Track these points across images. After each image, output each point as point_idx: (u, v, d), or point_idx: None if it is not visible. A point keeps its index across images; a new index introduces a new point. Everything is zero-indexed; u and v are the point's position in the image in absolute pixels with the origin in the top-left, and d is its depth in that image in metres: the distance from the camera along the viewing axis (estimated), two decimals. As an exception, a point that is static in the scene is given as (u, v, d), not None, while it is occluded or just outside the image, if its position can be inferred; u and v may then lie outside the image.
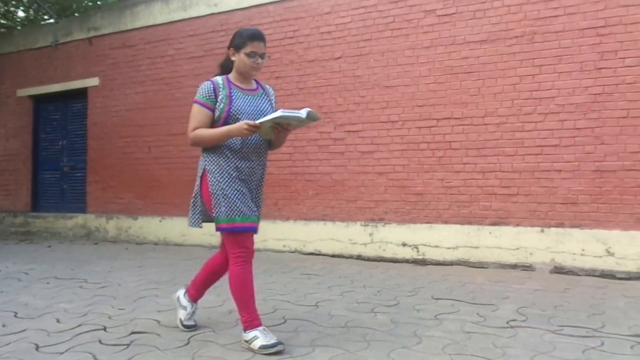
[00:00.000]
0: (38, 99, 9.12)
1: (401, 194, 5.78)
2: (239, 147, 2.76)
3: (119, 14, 7.99)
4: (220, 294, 4.20)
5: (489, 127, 5.35)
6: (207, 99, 2.75)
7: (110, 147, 8.09)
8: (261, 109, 2.82)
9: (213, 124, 2.76)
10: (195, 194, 2.86)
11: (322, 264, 5.53)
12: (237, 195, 2.72)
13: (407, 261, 5.68)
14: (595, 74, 4.91)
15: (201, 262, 5.67)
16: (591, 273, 4.84)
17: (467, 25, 5.46)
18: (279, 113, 2.55)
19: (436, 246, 5.58)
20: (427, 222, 5.66)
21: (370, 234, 5.90)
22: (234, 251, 2.75)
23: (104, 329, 3.20)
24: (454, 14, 5.53)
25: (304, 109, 2.58)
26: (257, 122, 2.59)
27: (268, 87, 3.02)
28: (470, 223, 5.45)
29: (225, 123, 2.73)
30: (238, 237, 2.73)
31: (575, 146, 4.99)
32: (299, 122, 2.67)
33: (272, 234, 6.55)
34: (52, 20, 9.27)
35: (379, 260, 5.77)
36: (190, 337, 2.99)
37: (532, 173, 5.18)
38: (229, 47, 2.82)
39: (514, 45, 5.24)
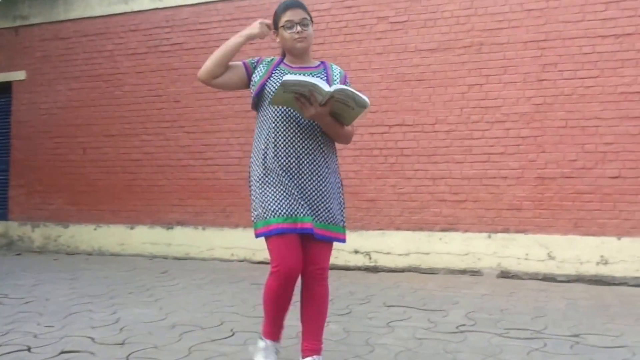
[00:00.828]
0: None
1: (354, 200, 6.70)
2: (278, 127, 2.71)
3: (51, 3, 8.58)
4: (163, 307, 4.50)
5: (439, 134, 6.45)
6: (249, 59, 2.85)
7: (38, 147, 8.66)
8: None
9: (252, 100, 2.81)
10: None
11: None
12: (272, 192, 2.67)
13: (359, 268, 6.61)
14: (537, 85, 6.09)
15: (140, 273, 5.89)
16: (534, 277, 5.96)
17: (418, 34, 6.55)
18: (308, 79, 2.47)
19: (388, 253, 6.59)
20: (379, 229, 6.67)
21: (322, 241, 6.84)
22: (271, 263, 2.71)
23: (29, 349, 3.27)
24: (406, 21, 6.62)
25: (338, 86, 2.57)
26: (284, 78, 2.47)
27: (337, 67, 2.94)
28: (421, 229, 6.50)
29: (258, 97, 2.77)
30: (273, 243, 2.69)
31: (520, 154, 6.15)
32: (347, 104, 2.59)
33: (219, 242, 7.34)
34: (-32, 5, 9.66)
35: (331, 268, 6.46)
36: (129, 355, 3.14)
37: (480, 180, 6.30)
38: (275, 34, 2.85)
39: (462, 54, 6.38)
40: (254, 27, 2.73)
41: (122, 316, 4.17)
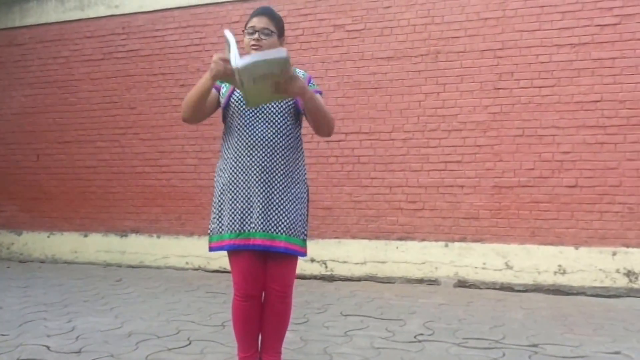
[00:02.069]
0: None
1: (310, 208, 5.85)
2: (240, 140, 2.42)
3: (6, 10, 7.49)
4: (119, 315, 4.09)
5: (395, 142, 5.59)
6: (217, 82, 2.45)
7: (-9, 154, 7.56)
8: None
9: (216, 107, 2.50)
10: None
11: (227, 282, 5.45)
12: (229, 206, 2.41)
13: (315, 277, 5.76)
14: (493, 94, 5.29)
15: (95, 281, 5.55)
16: (492, 286, 5.17)
17: (375, 42, 5.68)
18: (259, 55, 2.09)
19: (344, 262, 5.71)
20: (335, 238, 5.78)
21: (278, 250, 5.94)
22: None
23: (-19, 359, 2.99)
24: (362, 29, 5.74)
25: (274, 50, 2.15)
26: (233, 65, 2.08)
27: (300, 70, 2.54)
28: (377, 238, 5.63)
29: (226, 109, 2.49)
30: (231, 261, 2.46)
31: (476, 162, 5.33)
32: (280, 70, 2.12)
33: (174, 250, 6.38)
34: None
35: (287, 277, 5.83)
36: (86, 365, 2.87)
37: (436, 188, 5.46)
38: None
39: (419, 63, 5.53)
40: (212, 66, 2.18)
41: (78, 324, 3.83)
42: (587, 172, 5.02)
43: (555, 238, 5.07)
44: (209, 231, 2.50)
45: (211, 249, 2.48)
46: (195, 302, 4.59)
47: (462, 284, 5.27)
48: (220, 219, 2.43)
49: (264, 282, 2.46)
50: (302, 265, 5.79)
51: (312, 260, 5.79)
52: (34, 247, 7.20)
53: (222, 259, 6.01)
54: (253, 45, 2.41)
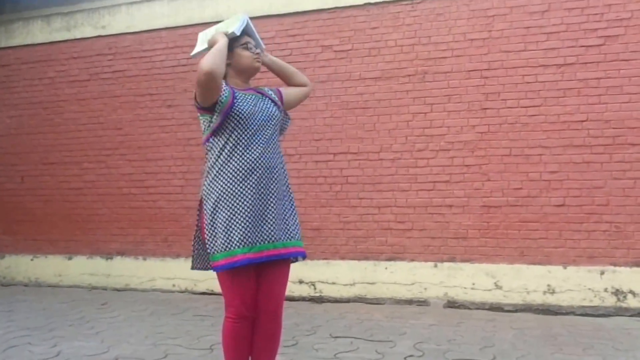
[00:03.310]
0: None
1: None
2: (246, 153, 2.45)
3: (-8, 31, 7.55)
4: (105, 340, 4.05)
5: (384, 162, 5.63)
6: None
7: (-27, 176, 7.49)
8: (268, 109, 2.57)
9: (209, 125, 2.49)
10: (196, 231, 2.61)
11: (215, 304, 5.42)
12: (240, 220, 2.38)
13: (304, 299, 5.73)
14: (481, 114, 5.35)
15: (80, 305, 5.49)
16: (481, 306, 5.17)
17: (362, 62, 5.74)
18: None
19: (333, 283, 5.70)
20: (324, 259, 5.76)
21: (266, 271, 5.93)
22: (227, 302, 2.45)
23: (-32, 384, 2.88)
24: (350, 50, 5.81)
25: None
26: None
27: (267, 89, 2.77)
28: (366, 259, 5.63)
29: (223, 121, 2.45)
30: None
31: (465, 182, 5.37)
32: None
33: (160, 273, 6.34)
34: None
35: (275, 299, 5.81)
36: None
37: (425, 208, 5.49)
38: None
39: (406, 83, 5.59)
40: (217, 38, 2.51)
41: (63, 349, 3.79)
42: (574, 191, 5.07)
43: (544, 257, 5.10)
44: (208, 250, 2.43)
45: (219, 267, 2.39)
46: (182, 325, 4.56)
47: (452, 304, 5.27)
48: (228, 234, 2.36)
49: (257, 303, 2.47)
50: (291, 287, 5.75)
51: (301, 282, 5.77)
52: (17, 270, 7.12)
53: (209, 281, 5.97)
54: (256, 58, 2.63)
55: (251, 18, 2.73)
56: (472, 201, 5.35)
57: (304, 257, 2.55)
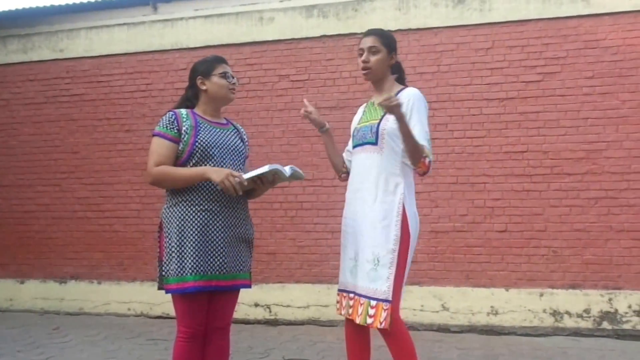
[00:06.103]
0: None
1: (254, 253, 6.05)
2: (210, 190, 2.52)
3: (-56, 50, 7.54)
4: None
5: (337, 188, 5.86)
6: (168, 129, 2.52)
7: None
8: (233, 144, 2.66)
9: (176, 160, 2.54)
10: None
11: (169, 328, 5.49)
12: (195, 249, 2.46)
13: (259, 322, 5.91)
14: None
15: (30, 330, 5.48)
16: (429, 327, 5.46)
17: (318, 92, 6.05)
18: (266, 168, 2.44)
19: (288, 306, 5.91)
20: (279, 282, 5.98)
21: (222, 295, 6.09)
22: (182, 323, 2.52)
23: None
24: (306, 80, 6.12)
25: (289, 166, 2.56)
26: (244, 177, 2.42)
27: (239, 126, 2.87)
28: (320, 282, 5.86)
29: (189, 158, 2.52)
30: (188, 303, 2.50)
31: (414, 208, 5.72)
32: (281, 179, 2.58)
33: (115, 296, 6.41)
34: None
35: (231, 322, 5.96)
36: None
37: (377, 233, 5.79)
38: (193, 80, 2.68)
39: (360, 113, 5.94)
40: (223, 175, 2.41)
41: None
42: (515, 218, 5.47)
43: (488, 280, 5.46)
44: (163, 273, 2.51)
45: (170, 290, 2.47)
46: (135, 350, 4.62)
47: (402, 326, 5.55)
48: (181, 261, 2.44)
49: (207, 320, 2.57)
50: (246, 310, 5.96)
51: (256, 305, 5.97)
52: (-35, 295, 7.04)
53: (165, 304, 6.09)
54: (232, 89, 2.69)
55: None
56: (421, 227, 5.64)
57: (250, 287, 2.73)
